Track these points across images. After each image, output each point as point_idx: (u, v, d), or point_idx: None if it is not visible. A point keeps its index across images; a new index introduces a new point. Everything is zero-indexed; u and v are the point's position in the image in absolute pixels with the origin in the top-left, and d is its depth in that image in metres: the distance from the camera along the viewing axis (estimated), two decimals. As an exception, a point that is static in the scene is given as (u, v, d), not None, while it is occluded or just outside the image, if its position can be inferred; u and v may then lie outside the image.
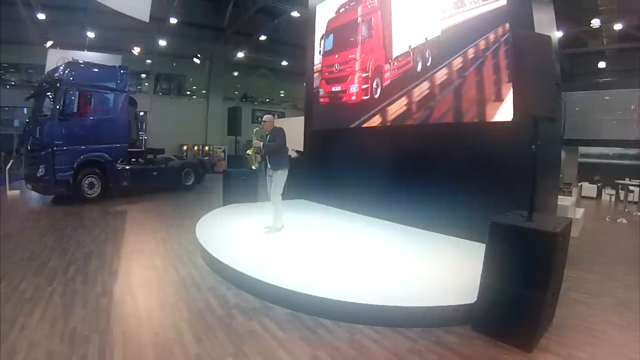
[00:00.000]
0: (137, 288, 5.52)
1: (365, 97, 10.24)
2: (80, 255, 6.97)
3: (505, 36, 7.16)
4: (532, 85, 4.35)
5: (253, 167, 8.44)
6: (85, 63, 13.96)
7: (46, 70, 16.79)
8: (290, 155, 8.55)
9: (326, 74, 11.80)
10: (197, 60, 26.62)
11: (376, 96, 9.86)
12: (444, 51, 8.28)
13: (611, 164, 21.02)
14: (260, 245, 7.08)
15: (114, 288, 5.45)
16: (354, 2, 10.68)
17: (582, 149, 20.89)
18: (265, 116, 8.24)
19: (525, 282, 4.03)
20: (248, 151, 8.31)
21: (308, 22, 13.37)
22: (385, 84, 9.62)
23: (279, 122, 8.30)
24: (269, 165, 7.94)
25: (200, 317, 4.58)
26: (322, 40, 11.91)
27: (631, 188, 14.70)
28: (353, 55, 10.59)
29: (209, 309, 4.81)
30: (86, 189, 12.98)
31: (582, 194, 18.92)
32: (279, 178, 7.83)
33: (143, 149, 17.65)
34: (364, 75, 10.25)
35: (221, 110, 28.28)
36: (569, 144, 17.16)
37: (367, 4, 10.20)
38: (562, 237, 4.07)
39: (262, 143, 7.90)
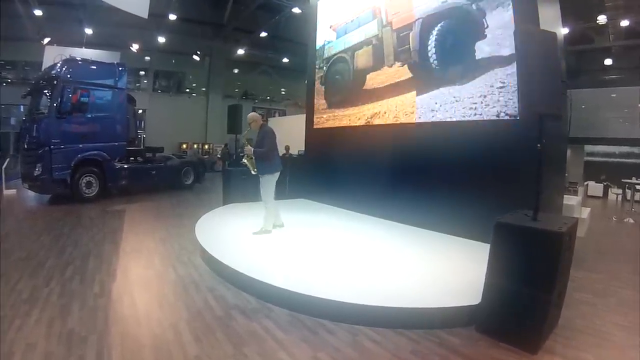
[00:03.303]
0: (136, 288, 5.53)
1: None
2: (77, 255, 6.98)
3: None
4: (538, 83, 4.33)
5: (253, 173, 8.26)
6: (82, 60, 13.97)
7: (43, 68, 16.79)
8: (291, 154, 8.36)
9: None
10: (196, 57, 26.72)
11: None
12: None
13: (618, 163, 21.03)
14: (261, 245, 7.06)
15: (112, 288, 5.45)
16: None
17: (588, 148, 20.86)
18: (249, 115, 7.98)
19: (531, 283, 4.02)
20: (243, 160, 8.14)
21: (309, 18, 13.37)
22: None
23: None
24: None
25: (199, 318, 4.58)
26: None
27: (638, 187, 14.66)
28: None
29: (208, 310, 4.81)
30: (84, 188, 12.97)
31: (588, 193, 18.93)
32: (266, 182, 7.70)
33: (142, 147, 17.67)
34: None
35: (221, 108, 28.31)
36: (574, 142, 17.11)
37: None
38: (567, 237, 4.06)
39: (252, 149, 7.67)
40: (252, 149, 7.68)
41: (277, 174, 7.76)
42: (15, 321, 4.31)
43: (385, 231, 8.36)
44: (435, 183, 8.03)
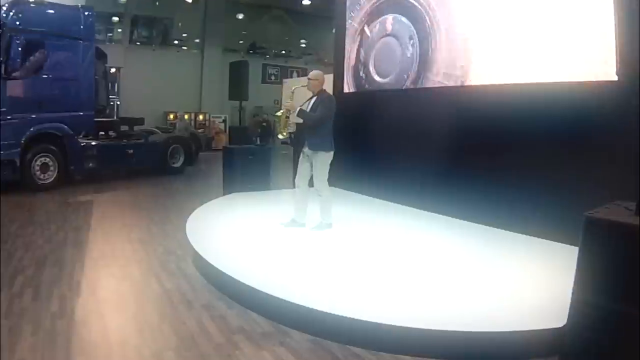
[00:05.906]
0: (107, 306, 5.57)
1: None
2: (30, 261, 7.04)
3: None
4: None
5: (280, 137, 8.23)
6: (36, 3, 13.99)
7: (-16, 13, 16.95)
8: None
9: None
10: (187, -1, 26.70)
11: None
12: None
13: None
14: (274, 249, 7.08)
15: (75, 306, 5.49)
16: None
17: None
18: (312, 72, 8.01)
19: (632, 298, 4.01)
20: (278, 112, 8.12)
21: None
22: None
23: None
24: (306, 144, 7.92)
25: (192, 346, 4.59)
26: None
27: None
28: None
29: (204, 335, 4.84)
30: (38, 173, 13.05)
31: None
32: (323, 162, 7.80)
33: (115, 118, 17.78)
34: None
35: (220, 65, 28.25)
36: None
37: None
38: (682, 237, 4.03)
39: (298, 108, 7.73)
40: (299, 109, 7.74)
41: (332, 154, 7.89)
42: (-50, 349, 4.36)
43: (440, 230, 8.36)
44: (507, 166, 7.93)
